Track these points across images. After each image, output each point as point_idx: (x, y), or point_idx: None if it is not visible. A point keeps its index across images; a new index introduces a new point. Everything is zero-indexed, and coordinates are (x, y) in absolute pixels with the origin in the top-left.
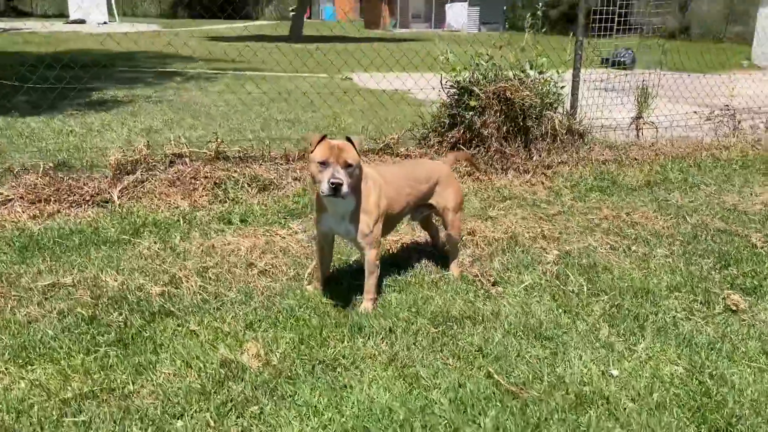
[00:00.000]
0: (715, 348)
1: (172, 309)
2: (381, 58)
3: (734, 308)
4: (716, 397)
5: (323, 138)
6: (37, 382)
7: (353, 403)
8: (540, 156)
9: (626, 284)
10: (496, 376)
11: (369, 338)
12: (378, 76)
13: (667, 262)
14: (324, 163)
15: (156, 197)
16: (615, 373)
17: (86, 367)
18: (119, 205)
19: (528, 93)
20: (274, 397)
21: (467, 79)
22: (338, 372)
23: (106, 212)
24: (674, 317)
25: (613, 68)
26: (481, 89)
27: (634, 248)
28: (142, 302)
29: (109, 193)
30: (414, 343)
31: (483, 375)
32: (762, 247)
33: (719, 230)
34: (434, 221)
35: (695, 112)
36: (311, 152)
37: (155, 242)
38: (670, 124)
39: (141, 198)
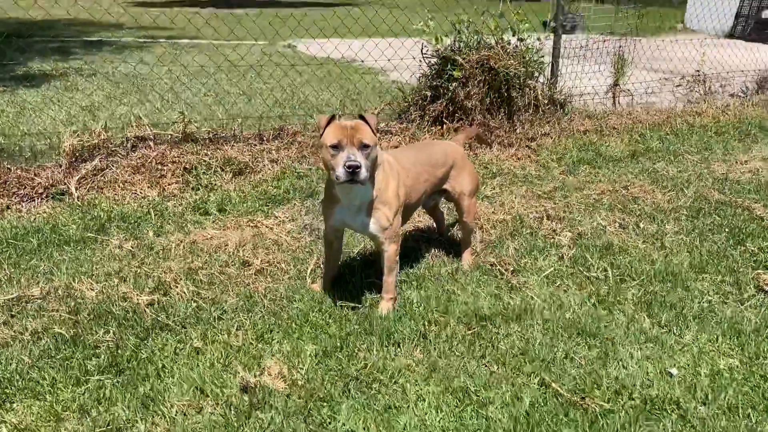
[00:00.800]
0: (762, 335)
1: (167, 322)
2: (328, 22)
3: (766, 288)
4: None
5: (332, 118)
6: (22, 426)
7: (405, 427)
8: (523, 128)
9: (649, 267)
10: (553, 384)
11: (400, 346)
12: (320, 43)
13: (680, 239)
14: (337, 146)
15: (120, 187)
16: (674, 372)
17: (80, 403)
18: (78, 197)
19: (512, 62)
20: (312, 426)
21: (449, 48)
22: (376, 389)
23: (63, 206)
24: (710, 302)
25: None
26: (464, 58)
27: (642, 225)
28: (130, 315)
29: (65, 183)
30: (450, 349)
31: (537, 383)
32: None
33: (720, 202)
34: (440, 206)
35: (667, 78)
36: (320, 136)
37: (126, 239)
38: (645, 91)
39: (103, 188)
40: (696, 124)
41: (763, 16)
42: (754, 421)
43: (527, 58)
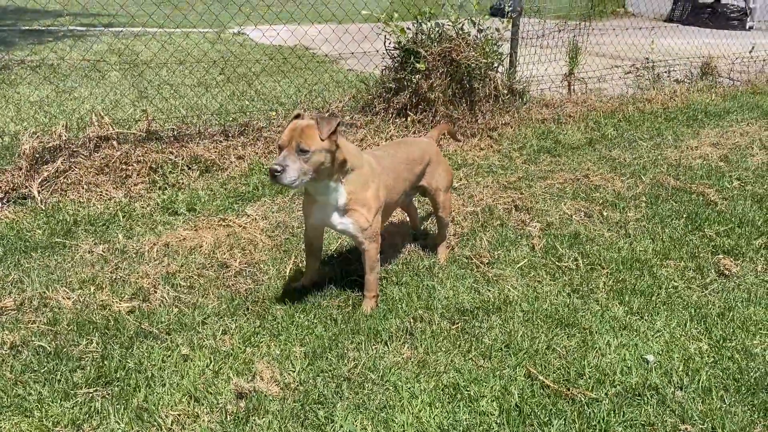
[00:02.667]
0: (726, 319)
1: (151, 329)
2: (284, 9)
3: (727, 272)
4: (754, 374)
5: (297, 117)
6: None
7: (402, 426)
8: (485, 118)
9: (616, 255)
10: (540, 377)
11: (388, 344)
12: (276, 29)
13: (642, 226)
14: (281, 147)
15: (84, 188)
16: (651, 358)
17: (71, 418)
18: (41, 201)
19: (473, 53)
20: (310, 429)
21: (412, 40)
22: (368, 389)
23: (27, 211)
24: (676, 288)
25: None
26: (426, 50)
27: (606, 213)
28: (111, 324)
29: (26, 187)
30: (437, 345)
31: (523, 376)
32: (721, 204)
33: (676, 188)
34: (413, 201)
35: (618, 66)
36: None
37: (96, 244)
38: (597, 79)
39: (66, 191)
40: (646, 110)
41: (699, 1)
42: (728, 403)
43: (487, 50)
